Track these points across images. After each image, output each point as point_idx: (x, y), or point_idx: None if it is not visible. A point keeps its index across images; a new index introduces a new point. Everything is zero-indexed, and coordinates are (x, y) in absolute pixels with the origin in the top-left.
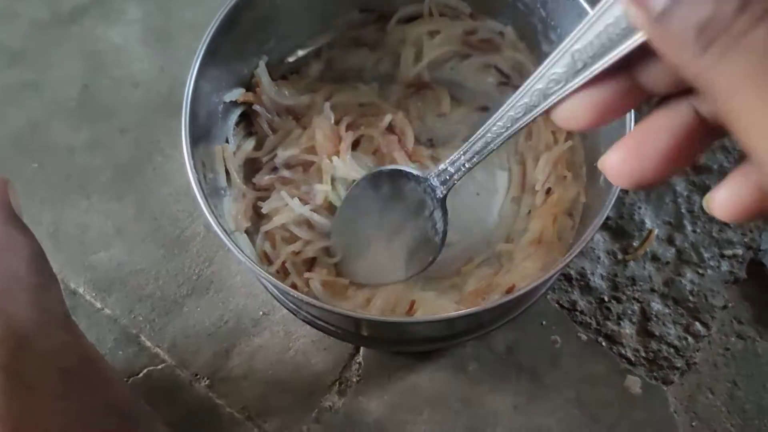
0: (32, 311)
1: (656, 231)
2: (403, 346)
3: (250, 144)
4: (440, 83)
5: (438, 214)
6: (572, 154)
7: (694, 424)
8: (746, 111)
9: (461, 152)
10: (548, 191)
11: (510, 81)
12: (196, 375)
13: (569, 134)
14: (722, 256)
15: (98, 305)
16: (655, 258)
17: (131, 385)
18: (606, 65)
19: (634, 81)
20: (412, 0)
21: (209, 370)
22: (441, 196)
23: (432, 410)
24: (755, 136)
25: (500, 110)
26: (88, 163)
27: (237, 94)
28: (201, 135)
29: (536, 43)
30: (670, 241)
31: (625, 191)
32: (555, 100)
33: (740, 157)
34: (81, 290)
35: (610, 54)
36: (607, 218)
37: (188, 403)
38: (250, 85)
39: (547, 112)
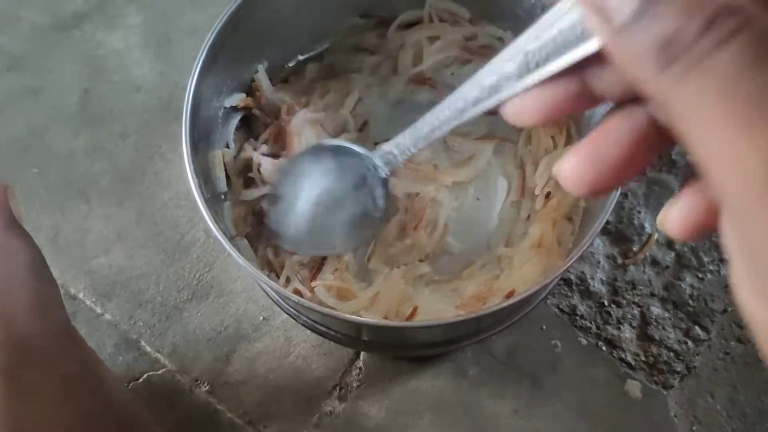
0: (32, 316)
1: (656, 235)
2: (403, 350)
3: (249, 149)
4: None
5: (380, 193)
6: None
7: (694, 428)
8: (702, 133)
9: (405, 136)
10: (548, 196)
11: None
12: (197, 380)
13: (568, 138)
14: (722, 260)
15: (98, 310)
16: (654, 262)
17: (131, 391)
18: (558, 68)
19: (586, 85)
20: (412, 5)
21: (210, 376)
22: (384, 176)
23: (433, 415)
24: (709, 159)
25: (448, 99)
26: (88, 168)
27: (237, 99)
28: (201, 140)
29: None
30: (670, 245)
31: (624, 195)
32: (504, 97)
33: (687, 175)
34: (81, 295)
35: (564, 57)
36: (607, 223)
37: (188, 408)
38: (250, 90)
39: (494, 108)
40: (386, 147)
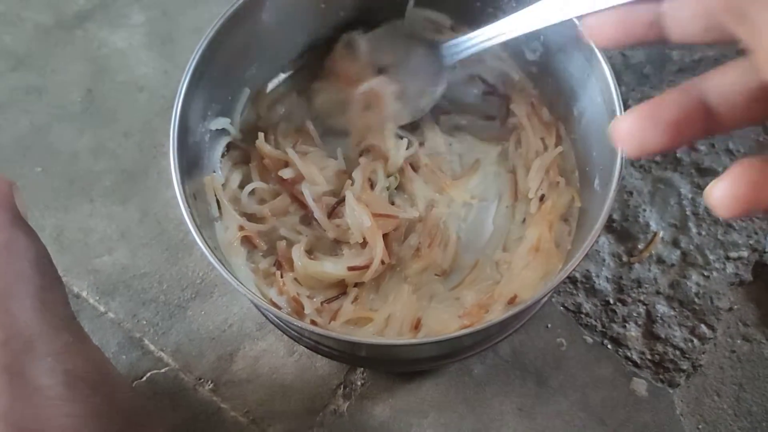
0: (37, 313)
1: (661, 233)
2: (409, 366)
3: (237, 177)
4: None
5: (439, 76)
6: (563, 159)
7: (700, 426)
8: None
9: (476, 34)
10: (542, 198)
11: (495, 90)
12: (200, 379)
13: (558, 140)
14: (727, 258)
15: (102, 309)
16: (660, 260)
17: (134, 389)
18: None
19: (660, 18)
20: (392, 15)
21: (213, 374)
22: (448, 64)
23: (437, 413)
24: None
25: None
26: (91, 167)
27: (223, 123)
28: (190, 165)
29: (519, 52)
30: (675, 243)
31: (629, 193)
32: (578, 13)
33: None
34: (84, 294)
35: None
36: (612, 221)
37: (192, 407)
38: (233, 114)
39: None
40: (453, 41)
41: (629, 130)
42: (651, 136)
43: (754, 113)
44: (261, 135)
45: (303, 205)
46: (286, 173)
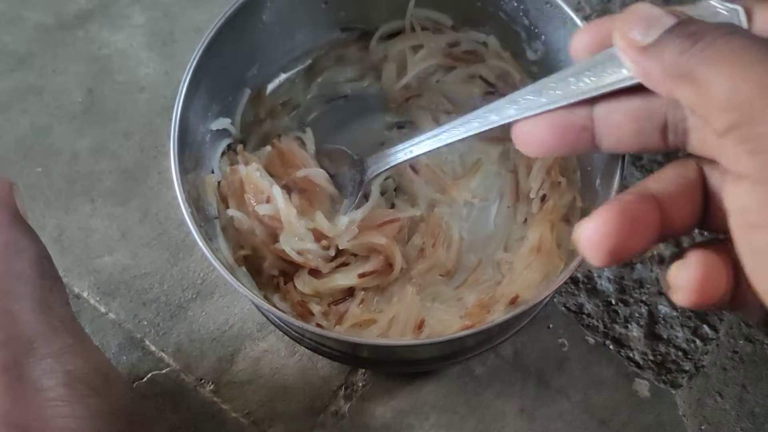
0: (37, 313)
1: None
2: (411, 367)
3: None
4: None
5: (359, 188)
6: (565, 159)
7: (703, 428)
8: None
9: (397, 149)
10: (543, 198)
11: (496, 90)
12: (201, 380)
13: None
14: None
15: (102, 309)
16: (662, 260)
17: (135, 390)
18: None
19: (591, 123)
20: (392, 16)
21: (214, 375)
22: (368, 177)
23: (439, 415)
24: (726, 98)
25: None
26: (92, 167)
27: (224, 123)
28: (192, 166)
29: (521, 51)
30: (677, 243)
31: None
32: (509, 120)
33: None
34: (85, 294)
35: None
36: None
37: (193, 407)
38: (234, 115)
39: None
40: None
41: (597, 237)
42: (624, 241)
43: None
44: (239, 168)
45: None
46: (264, 209)
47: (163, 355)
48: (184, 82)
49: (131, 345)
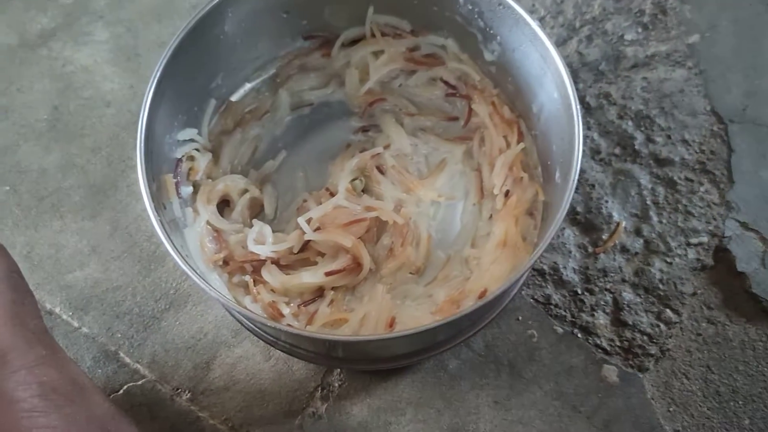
0: (9, 327)
1: (624, 223)
2: (385, 363)
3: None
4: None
5: None
6: (526, 155)
7: (671, 409)
8: None
9: None
10: (507, 194)
11: (457, 92)
12: (177, 389)
13: (520, 136)
14: (689, 244)
15: (75, 324)
16: (624, 249)
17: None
18: None
19: None
20: (353, 23)
21: (190, 383)
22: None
23: (415, 410)
24: None
25: None
26: (60, 183)
27: (190, 133)
28: (158, 174)
29: (478, 53)
30: (638, 232)
31: (591, 186)
32: None
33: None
34: (57, 310)
35: None
36: (576, 213)
37: (170, 417)
38: (200, 124)
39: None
40: None
41: None
42: None
43: None
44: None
45: None
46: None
47: (139, 366)
48: (148, 95)
49: (106, 358)
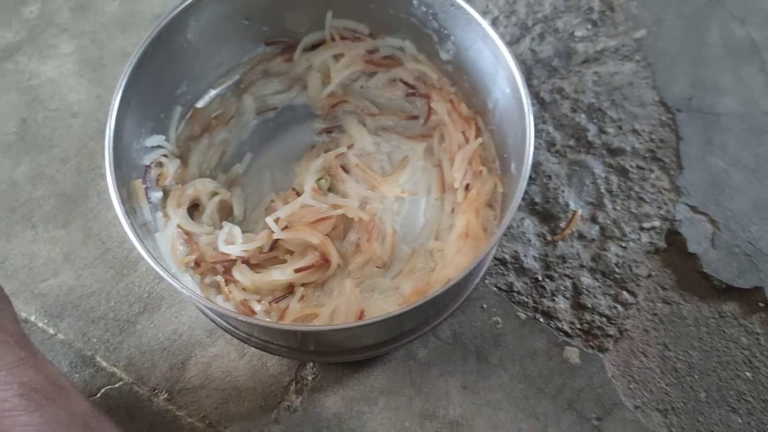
0: None
1: (580, 211)
2: (356, 354)
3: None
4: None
5: None
6: (484, 149)
7: (631, 386)
8: None
9: None
10: (467, 187)
11: (417, 91)
12: (154, 390)
13: (478, 132)
14: (642, 228)
15: (51, 331)
16: (581, 236)
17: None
18: None
19: None
20: (313, 28)
21: (167, 384)
22: None
23: (387, 399)
24: None
25: None
26: (31, 194)
27: (158, 140)
28: (127, 179)
29: (435, 53)
30: (594, 219)
31: (548, 177)
32: None
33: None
34: (33, 318)
35: None
36: (534, 204)
37: (148, 418)
38: (167, 131)
39: None
40: None
41: None
42: None
43: None
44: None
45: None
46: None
47: (115, 369)
48: (114, 104)
49: (82, 363)
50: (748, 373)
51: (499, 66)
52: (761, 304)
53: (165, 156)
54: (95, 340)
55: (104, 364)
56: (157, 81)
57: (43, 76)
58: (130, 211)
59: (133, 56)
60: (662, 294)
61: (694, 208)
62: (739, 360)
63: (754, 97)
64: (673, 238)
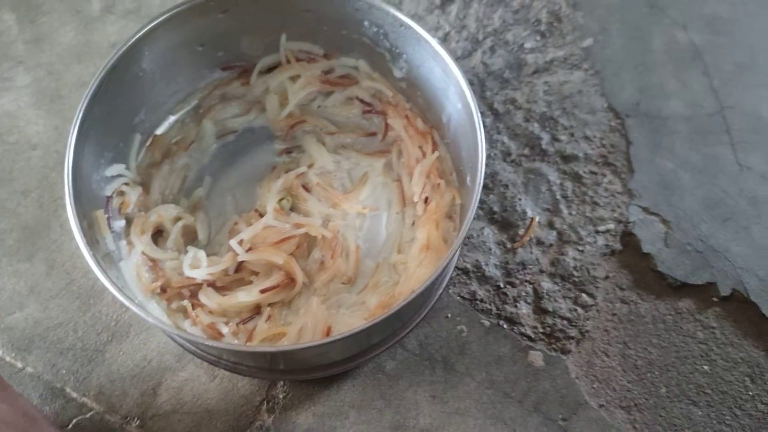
0: None
1: (537, 218)
2: (326, 370)
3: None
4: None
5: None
6: (441, 163)
7: (594, 386)
8: None
9: None
10: (426, 200)
11: (373, 108)
12: (126, 417)
13: (434, 146)
14: (597, 232)
15: (19, 365)
16: (539, 242)
17: None
18: None
19: None
20: (268, 51)
21: (138, 411)
22: None
23: (358, 413)
24: None
25: None
26: None
27: (118, 169)
28: (91, 213)
29: (388, 71)
30: (551, 225)
31: (505, 186)
32: None
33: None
34: (0, 353)
35: None
36: (493, 213)
37: None
38: (128, 159)
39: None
40: None
41: None
42: None
43: None
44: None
45: None
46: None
47: (86, 399)
48: (72, 136)
49: (52, 395)
50: (705, 367)
51: (449, 82)
52: (715, 299)
53: (126, 184)
54: (64, 372)
55: (74, 394)
56: (115, 111)
57: (0, 110)
58: (93, 242)
59: (88, 89)
60: (620, 294)
61: (646, 210)
62: (697, 354)
63: (698, 100)
64: (628, 239)
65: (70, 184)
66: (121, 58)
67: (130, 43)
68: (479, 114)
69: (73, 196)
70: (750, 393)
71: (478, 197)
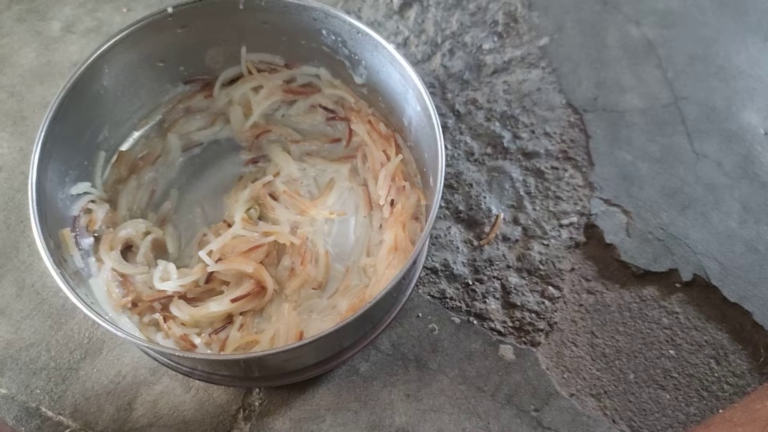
0: None
1: (502, 215)
2: (300, 375)
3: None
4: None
5: None
6: (405, 165)
7: (565, 376)
8: None
9: None
10: (392, 203)
11: (336, 115)
12: None
13: (398, 149)
14: (561, 225)
15: None
16: (505, 238)
17: None
18: None
19: None
20: (229, 63)
21: (115, 426)
22: None
23: (334, 415)
24: None
25: None
26: None
27: (83, 187)
28: (54, 229)
29: (349, 78)
30: (516, 221)
31: (469, 185)
32: None
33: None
34: None
35: None
36: (459, 212)
37: None
38: (93, 177)
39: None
40: None
41: None
42: None
43: None
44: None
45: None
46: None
47: (62, 418)
48: (35, 156)
49: (27, 415)
50: (671, 351)
51: (408, 86)
52: (677, 285)
53: (93, 201)
54: (39, 391)
55: (50, 413)
56: (77, 130)
57: None
58: (60, 261)
59: (48, 109)
60: (586, 285)
61: (607, 201)
62: (662, 339)
63: (654, 92)
64: (591, 231)
65: (35, 204)
66: (81, 77)
67: (89, 62)
68: (437, 115)
69: (39, 216)
70: (716, 375)
71: (440, 197)
